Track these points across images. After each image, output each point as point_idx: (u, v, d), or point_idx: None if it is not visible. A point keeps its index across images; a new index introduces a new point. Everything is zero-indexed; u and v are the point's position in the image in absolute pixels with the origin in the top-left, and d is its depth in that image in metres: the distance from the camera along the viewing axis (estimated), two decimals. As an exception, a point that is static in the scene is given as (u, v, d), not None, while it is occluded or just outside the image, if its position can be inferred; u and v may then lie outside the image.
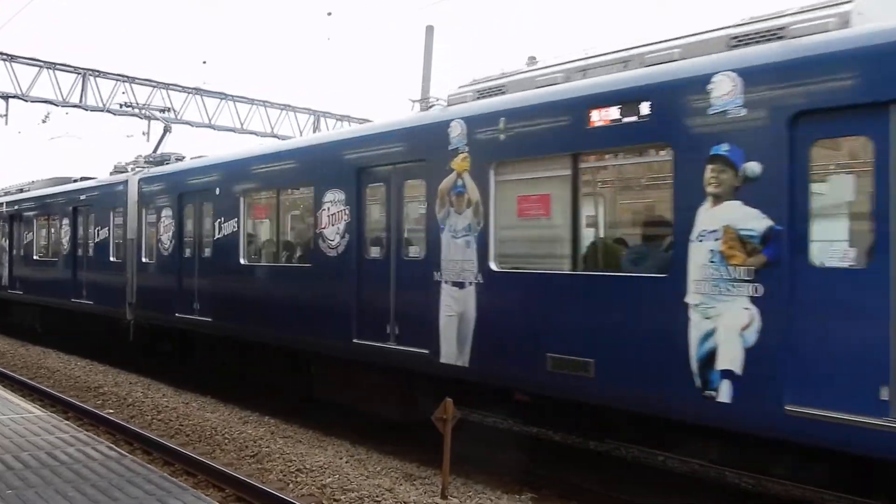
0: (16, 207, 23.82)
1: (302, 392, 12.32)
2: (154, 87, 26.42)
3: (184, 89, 26.90)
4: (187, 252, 14.75)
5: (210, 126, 27.43)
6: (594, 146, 7.83)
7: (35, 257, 22.34)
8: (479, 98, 9.43)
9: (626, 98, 7.34)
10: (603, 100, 7.56)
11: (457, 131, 9.00)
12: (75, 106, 25.25)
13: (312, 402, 11.96)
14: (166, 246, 15.32)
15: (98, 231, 18.36)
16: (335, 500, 8.24)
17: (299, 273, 11.97)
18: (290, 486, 8.75)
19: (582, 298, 7.74)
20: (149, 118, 26.28)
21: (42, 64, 24.47)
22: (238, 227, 13.04)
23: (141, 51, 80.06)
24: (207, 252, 14.07)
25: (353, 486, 8.54)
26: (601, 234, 8.65)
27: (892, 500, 6.31)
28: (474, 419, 10.75)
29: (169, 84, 26.57)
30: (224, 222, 13.32)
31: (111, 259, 17.74)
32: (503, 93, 9.14)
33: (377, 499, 8.12)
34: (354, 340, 10.39)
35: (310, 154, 11.89)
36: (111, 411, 12.94)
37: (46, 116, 28.03)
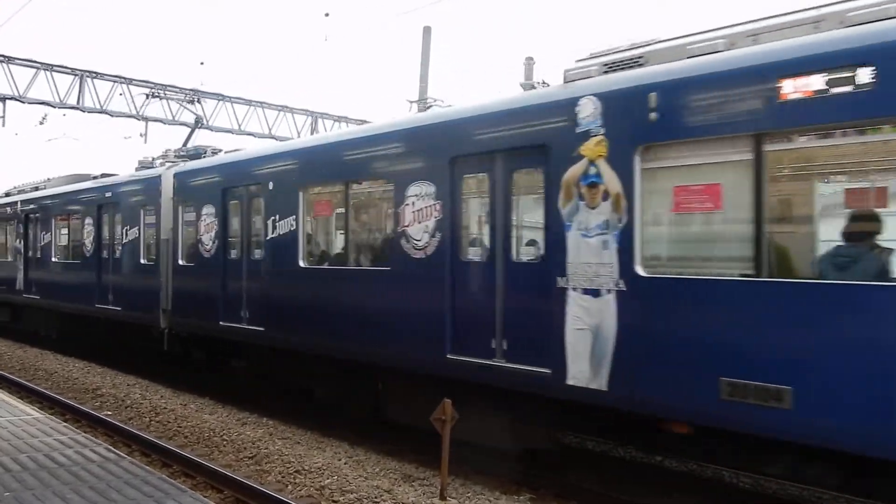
0: (31, 206, 21.27)
1: (364, 411, 10.61)
2: (151, 88, 24.72)
3: (181, 90, 26.31)
4: (233, 254, 12.77)
5: (207, 127, 25.83)
6: (788, 124, 6.10)
7: (53, 259, 19.87)
8: (608, 72, 7.71)
9: (836, 63, 5.75)
10: (801, 66, 5.94)
11: (588, 110, 7.38)
12: (72, 107, 24.08)
13: (382, 421, 10.32)
14: (208, 247, 13.30)
15: (126, 231, 16.14)
16: (334, 501, 7.95)
17: (375, 277, 9.99)
18: (289, 487, 8.46)
19: (774, 312, 6.02)
20: (146, 119, 26.28)
21: (39, 65, 23.35)
22: (296, 225, 11.10)
23: (138, 52, 79.96)
24: (258, 254, 12.05)
25: (352, 487, 8.24)
26: (795, 232, 6.77)
27: (892, 500, 5.86)
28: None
29: (166, 85, 25.00)
30: (279, 220, 11.41)
31: (142, 261, 15.65)
32: (641, 65, 7.45)
33: (376, 500, 7.83)
34: (449, 356, 8.61)
35: (389, 142, 9.80)
36: (109, 413, 12.40)
37: (44, 118, 27.44)
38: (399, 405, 10.04)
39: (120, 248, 16.56)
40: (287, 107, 28.59)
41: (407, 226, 9.30)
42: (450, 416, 7.96)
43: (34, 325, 21.74)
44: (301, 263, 11.13)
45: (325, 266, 11.20)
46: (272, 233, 11.60)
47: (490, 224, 8.46)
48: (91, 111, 24.82)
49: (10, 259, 22.75)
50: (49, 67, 23.95)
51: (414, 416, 9.45)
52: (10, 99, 23.52)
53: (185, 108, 21.75)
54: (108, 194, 17.35)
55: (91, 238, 17.82)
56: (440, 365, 8.76)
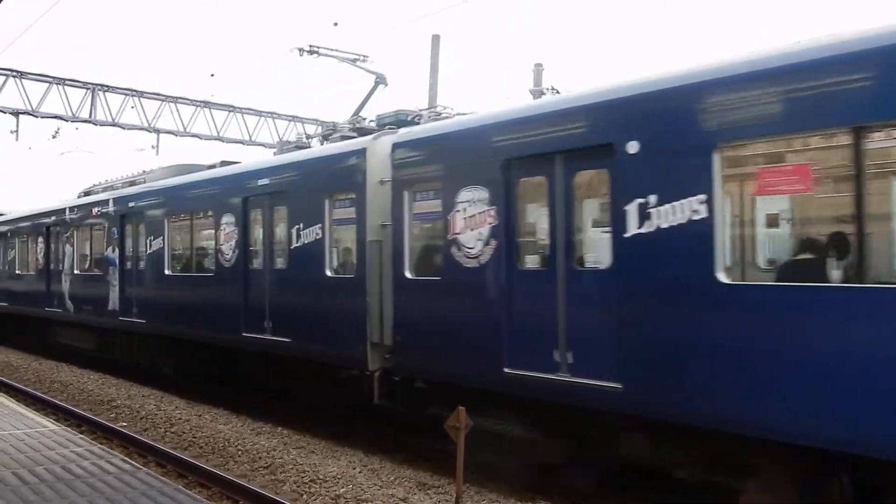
0: (130, 205, 16.70)
1: None
2: (163, 100, 24.99)
3: (192, 102, 25.60)
4: (529, 262, 8.55)
5: (218, 139, 26.01)
6: None
7: (167, 272, 15.26)
8: None
9: None
10: None
11: None
12: (85, 121, 24.18)
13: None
14: (473, 251, 8.88)
15: (298, 231, 11.56)
16: (349, 510, 7.87)
17: None
18: (304, 496, 8.45)
19: None
20: (157, 131, 26.46)
21: (51, 80, 23.49)
22: (707, 211, 6.61)
23: (149, 65, 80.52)
24: (592, 260, 8.01)
25: (367, 495, 8.25)
26: None
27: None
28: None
29: (178, 98, 25.36)
30: (654, 206, 7.03)
31: (328, 273, 11.13)
32: None
33: (391, 508, 7.74)
34: None
35: None
36: (124, 424, 12.43)
37: (56, 132, 27.55)
38: None
39: (284, 255, 12.11)
40: (297, 117, 28.72)
41: None
42: (464, 423, 7.93)
43: (134, 355, 17.27)
44: (721, 277, 6.65)
45: (787, 282, 6.54)
46: (638, 226, 7.23)
47: None
48: (103, 124, 24.99)
49: (96, 272, 18.39)
50: (61, 82, 24.13)
51: None
52: (24, 113, 23.72)
53: (358, 67, 16.59)
54: (263, 181, 12.71)
55: (232, 243, 13.25)
56: None
